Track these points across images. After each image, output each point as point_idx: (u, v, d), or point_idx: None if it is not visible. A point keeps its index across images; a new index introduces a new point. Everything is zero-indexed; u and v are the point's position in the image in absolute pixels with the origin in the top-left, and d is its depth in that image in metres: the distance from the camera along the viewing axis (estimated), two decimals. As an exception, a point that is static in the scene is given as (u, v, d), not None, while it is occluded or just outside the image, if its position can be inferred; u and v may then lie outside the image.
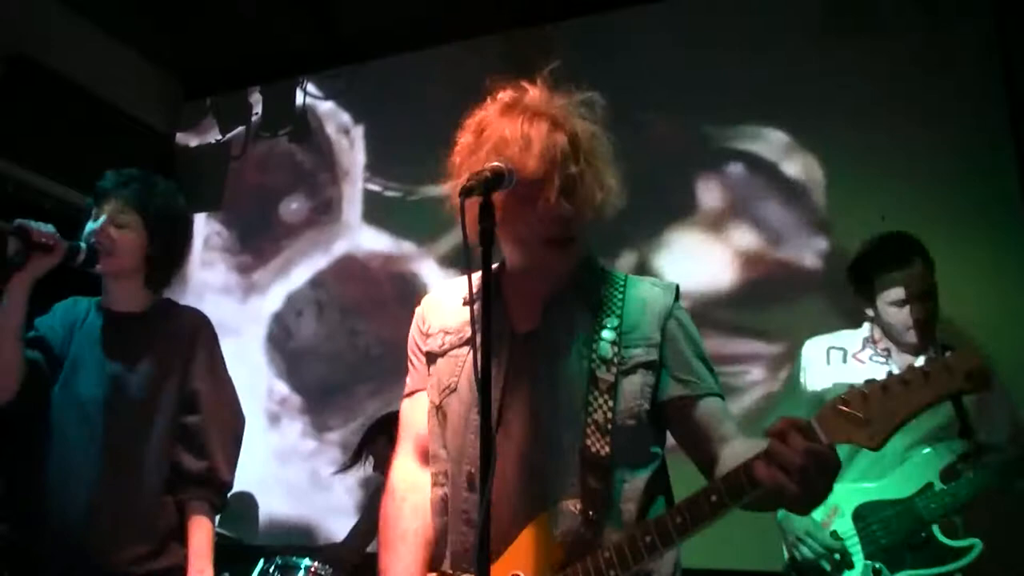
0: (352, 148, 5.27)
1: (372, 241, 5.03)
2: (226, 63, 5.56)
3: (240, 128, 5.61)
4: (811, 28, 4.17)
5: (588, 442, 1.64)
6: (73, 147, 4.73)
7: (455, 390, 1.79)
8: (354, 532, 4.00)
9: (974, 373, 1.40)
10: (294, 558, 3.35)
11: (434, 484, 1.82)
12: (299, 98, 5.45)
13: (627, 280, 1.86)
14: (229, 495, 2.51)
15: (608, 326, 1.74)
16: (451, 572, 1.70)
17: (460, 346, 1.83)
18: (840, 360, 2.94)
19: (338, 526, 4.51)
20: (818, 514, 2.80)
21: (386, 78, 5.15)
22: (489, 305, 1.50)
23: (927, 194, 3.75)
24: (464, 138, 1.77)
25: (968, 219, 3.64)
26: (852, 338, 3.00)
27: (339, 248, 5.14)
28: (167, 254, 2.52)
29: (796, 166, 4.12)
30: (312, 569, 3.30)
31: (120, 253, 2.40)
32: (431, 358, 1.88)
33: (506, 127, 1.69)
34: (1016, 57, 3.73)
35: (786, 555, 2.85)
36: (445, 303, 1.93)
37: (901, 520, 2.71)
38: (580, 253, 1.81)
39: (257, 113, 5.58)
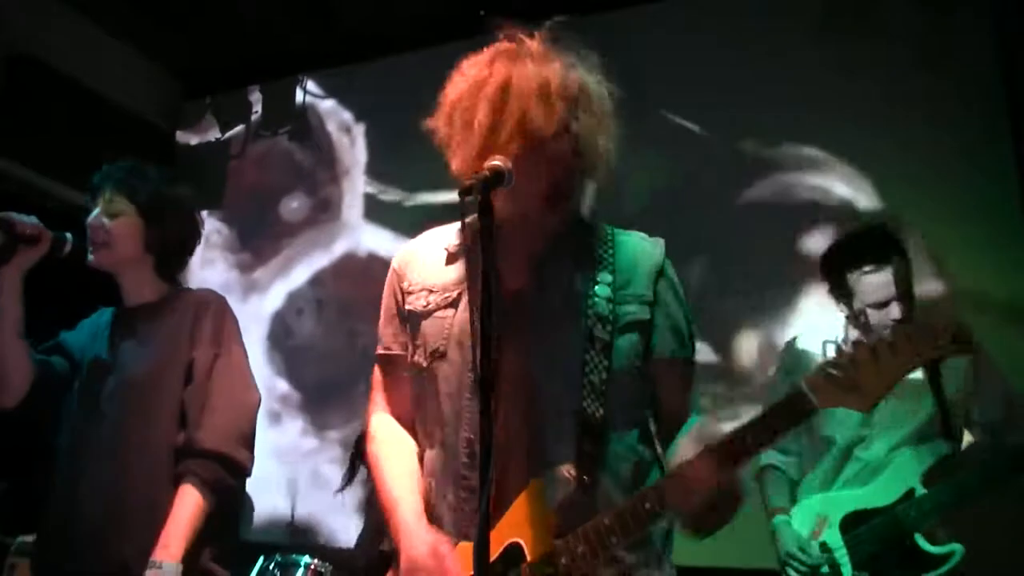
0: (353, 146, 5.28)
1: (373, 240, 5.04)
2: (226, 62, 5.56)
3: (240, 127, 5.62)
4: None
5: (584, 404, 1.61)
6: (75, 146, 4.74)
7: (444, 354, 1.72)
8: (364, 533, 3.94)
9: (957, 334, 1.42)
10: (294, 555, 3.35)
11: (425, 447, 1.77)
12: (299, 96, 5.45)
13: (614, 233, 1.81)
14: (243, 470, 2.36)
15: (602, 282, 1.70)
16: (454, 537, 1.64)
17: (446, 307, 1.75)
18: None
19: (339, 524, 4.52)
20: (807, 526, 2.78)
21: (386, 77, 5.15)
22: (491, 299, 1.45)
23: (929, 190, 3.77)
24: (469, 70, 1.71)
25: (971, 217, 3.64)
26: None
27: (339, 247, 5.15)
28: (168, 239, 2.46)
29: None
30: (312, 567, 3.29)
31: (115, 243, 2.37)
32: (413, 318, 1.79)
33: (514, 64, 1.65)
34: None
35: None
36: (426, 259, 1.85)
37: (885, 529, 2.67)
38: (574, 211, 1.78)
39: (257, 112, 5.58)
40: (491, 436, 1.35)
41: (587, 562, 1.51)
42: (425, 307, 1.78)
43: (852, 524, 2.72)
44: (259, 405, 2.43)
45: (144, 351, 2.36)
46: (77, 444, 2.31)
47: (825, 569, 2.69)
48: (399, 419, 1.86)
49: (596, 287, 1.69)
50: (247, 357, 2.46)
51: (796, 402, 1.48)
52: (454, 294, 1.76)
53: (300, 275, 5.22)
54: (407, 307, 1.81)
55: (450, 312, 1.74)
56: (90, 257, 2.37)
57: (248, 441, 2.36)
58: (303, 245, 5.26)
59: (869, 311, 2.74)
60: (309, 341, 5.09)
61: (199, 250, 2.60)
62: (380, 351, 1.89)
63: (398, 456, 1.80)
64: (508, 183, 1.53)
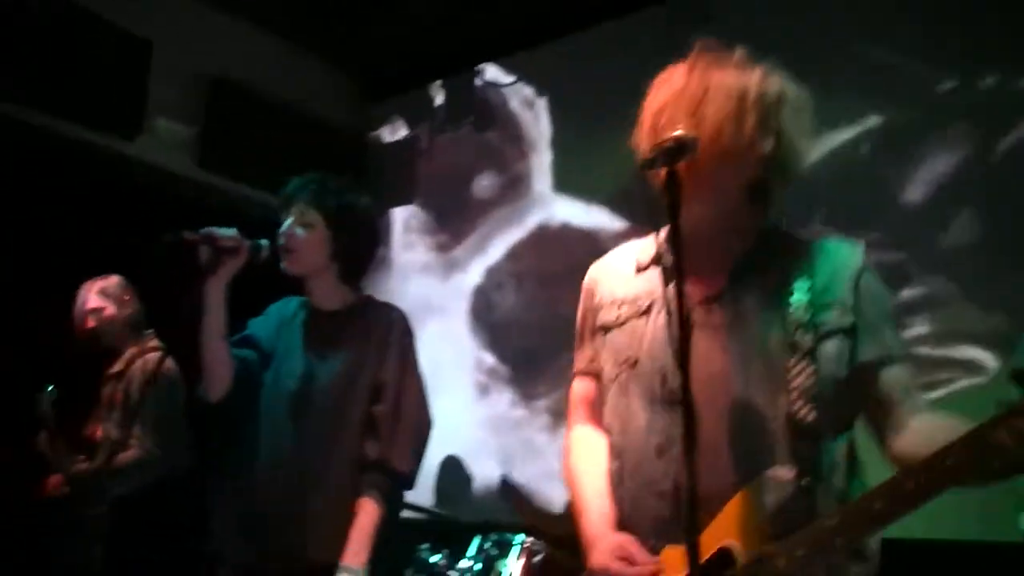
0: (537, 121, 5.28)
1: (565, 210, 5.03)
2: (407, 62, 5.72)
3: (425, 123, 5.77)
4: None
5: (795, 408, 1.57)
6: (273, 157, 5.02)
7: (635, 364, 1.74)
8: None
9: None
10: (509, 534, 3.43)
11: (618, 456, 1.77)
12: (479, 87, 5.51)
13: (811, 241, 1.76)
14: (411, 485, 2.53)
15: (799, 289, 1.65)
16: (650, 541, 1.64)
17: (637, 317, 1.77)
18: None
19: (555, 491, 4.59)
20: None
21: (565, 53, 5.12)
22: (682, 280, 1.45)
23: None
24: (673, 74, 1.71)
25: None
26: None
27: (532, 220, 5.19)
28: (352, 249, 2.59)
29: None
30: (526, 545, 3.36)
31: (304, 252, 2.51)
32: (605, 330, 1.83)
33: (716, 72, 1.64)
34: None
35: None
36: (616, 273, 1.88)
37: None
38: (764, 216, 1.74)
39: (440, 106, 5.70)
40: (693, 443, 1.34)
41: (806, 564, 1.45)
42: (616, 319, 1.81)
43: None
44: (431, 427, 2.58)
45: (334, 360, 2.51)
46: (263, 443, 2.46)
47: None
48: (601, 429, 1.87)
49: (795, 293, 1.65)
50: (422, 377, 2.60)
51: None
52: (645, 304, 1.77)
53: (496, 250, 5.30)
54: (598, 322, 1.85)
55: (642, 321, 1.76)
56: (282, 265, 2.52)
57: (422, 458, 2.54)
58: (497, 222, 5.33)
59: None
60: (511, 314, 5.18)
61: (399, 234, 2.70)
62: (576, 372, 1.93)
63: (593, 461, 1.83)
64: (692, 153, 1.48)
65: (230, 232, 2.37)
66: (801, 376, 1.58)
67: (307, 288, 2.63)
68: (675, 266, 1.47)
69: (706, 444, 1.52)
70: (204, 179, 5.16)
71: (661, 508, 1.64)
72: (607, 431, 1.82)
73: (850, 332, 1.65)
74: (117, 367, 3.72)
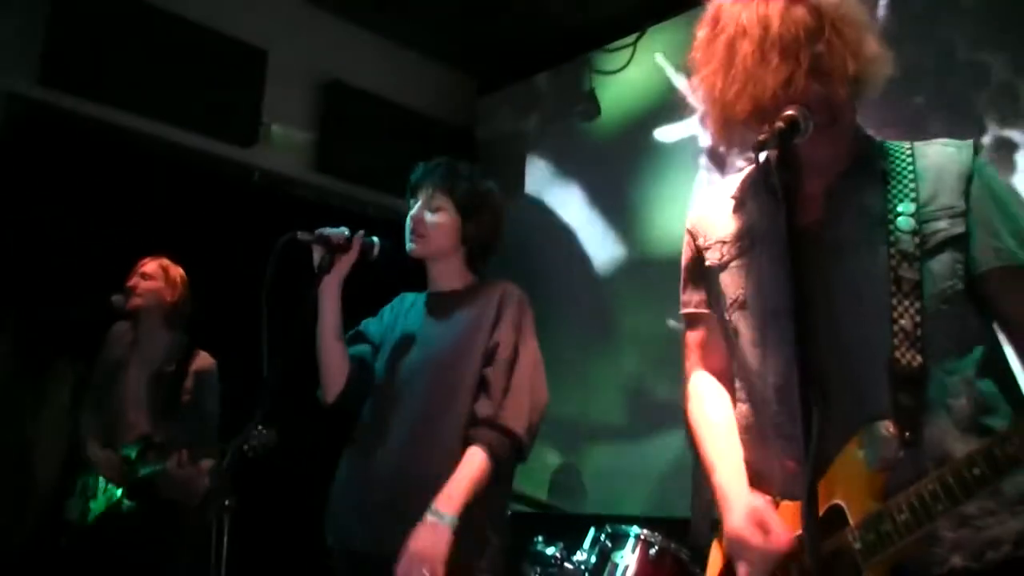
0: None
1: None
2: (513, 53, 5.73)
3: (533, 114, 5.77)
4: None
5: (897, 354, 1.47)
6: (385, 156, 5.13)
7: (744, 303, 1.67)
8: (696, 503, 3.92)
9: None
10: (623, 526, 3.42)
11: (738, 401, 1.73)
12: (585, 76, 5.47)
13: (913, 148, 1.63)
14: (522, 455, 2.43)
15: (902, 205, 1.54)
16: (778, 495, 1.59)
17: (741, 256, 1.70)
18: None
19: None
20: None
21: (668, 40, 5.06)
22: (798, 267, 1.36)
23: None
24: (701, 31, 1.63)
25: None
26: None
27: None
28: (481, 234, 2.58)
29: None
30: (642, 537, 3.34)
31: (435, 235, 2.50)
32: (711, 273, 1.76)
33: (742, 11, 1.54)
34: None
35: None
36: (715, 212, 1.79)
37: None
38: (848, 133, 1.63)
39: (547, 98, 5.71)
40: (808, 387, 1.27)
41: (911, 530, 1.37)
42: (720, 259, 1.74)
43: None
44: (546, 406, 2.49)
45: (450, 331, 2.49)
46: (377, 415, 2.46)
47: None
48: (716, 375, 1.82)
49: (899, 208, 1.54)
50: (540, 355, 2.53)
51: None
52: (747, 242, 1.70)
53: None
54: (706, 263, 1.78)
55: (745, 260, 1.69)
56: (410, 246, 2.51)
57: (535, 433, 2.42)
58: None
59: None
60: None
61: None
62: (684, 312, 1.87)
63: (715, 411, 1.77)
64: (805, 132, 1.43)
65: (341, 230, 2.40)
66: (905, 317, 1.48)
67: (430, 271, 2.62)
68: (789, 253, 1.38)
69: (821, 387, 1.45)
70: (321, 182, 5.31)
71: (789, 451, 1.56)
72: (727, 376, 1.76)
73: (962, 241, 1.52)
74: (165, 364, 3.67)
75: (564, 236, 5.43)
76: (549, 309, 5.33)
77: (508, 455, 2.37)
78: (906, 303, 1.49)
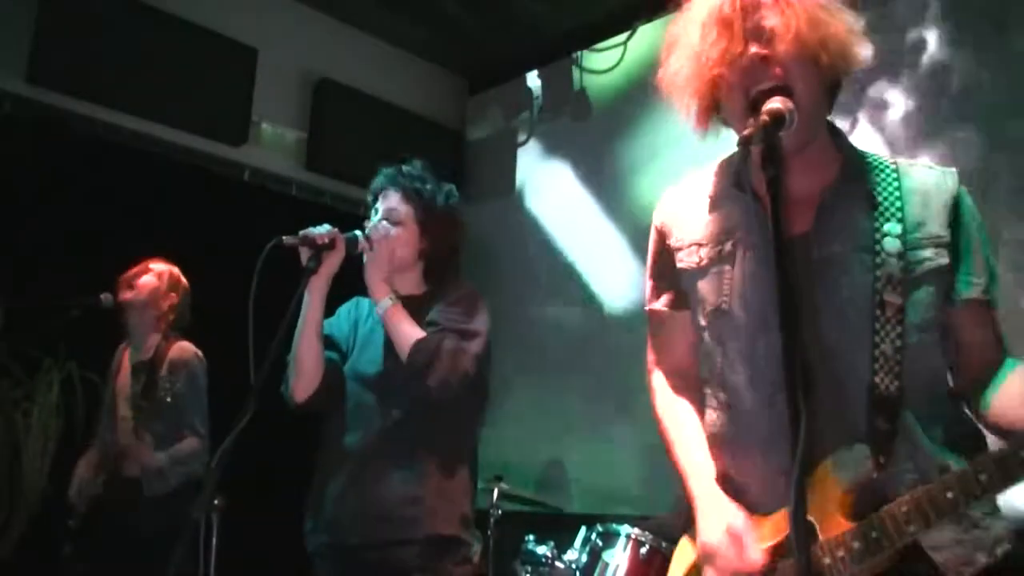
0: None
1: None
2: (503, 53, 5.73)
3: (524, 113, 5.76)
4: None
5: (877, 379, 1.47)
6: (376, 154, 5.10)
7: (727, 311, 1.61)
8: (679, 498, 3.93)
9: None
10: (614, 525, 3.42)
11: (710, 408, 1.67)
12: (575, 75, 5.48)
13: (897, 167, 1.61)
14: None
15: (888, 225, 1.53)
16: (756, 508, 1.57)
17: (720, 261, 1.63)
18: None
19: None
20: None
21: (658, 39, 5.03)
22: (782, 255, 1.32)
23: None
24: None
25: None
26: None
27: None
28: (439, 249, 2.57)
29: None
30: (633, 536, 3.34)
31: (393, 248, 2.49)
32: (687, 276, 1.69)
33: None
34: None
35: None
36: (689, 210, 1.73)
37: None
38: (808, 124, 1.51)
39: (538, 97, 5.69)
40: (796, 399, 1.24)
41: (882, 548, 1.40)
42: (699, 264, 1.67)
43: None
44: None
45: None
46: (350, 429, 2.45)
47: None
48: (675, 375, 1.80)
49: (886, 228, 1.53)
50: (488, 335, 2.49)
51: None
52: (727, 246, 1.63)
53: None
54: (679, 264, 1.71)
55: (726, 266, 1.63)
56: (366, 260, 2.48)
57: (451, 386, 2.37)
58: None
59: None
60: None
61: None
62: (649, 309, 1.82)
63: (685, 416, 1.74)
64: (790, 125, 1.40)
65: (325, 229, 2.38)
66: (886, 342, 1.48)
67: (390, 278, 2.56)
68: (776, 246, 1.33)
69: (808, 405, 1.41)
70: (311, 180, 5.32)
71: (774, 462, 1.53)
72: (702, 383, 1.72)
73: (945, 272, 1.53)
74: (145, 355, 3.72)
75: (553, 235, 5.45)
76: (534, 304, 5.38)
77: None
78: (888, 328, 1.49)
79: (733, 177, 1.67)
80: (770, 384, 1.54)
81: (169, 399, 3.57)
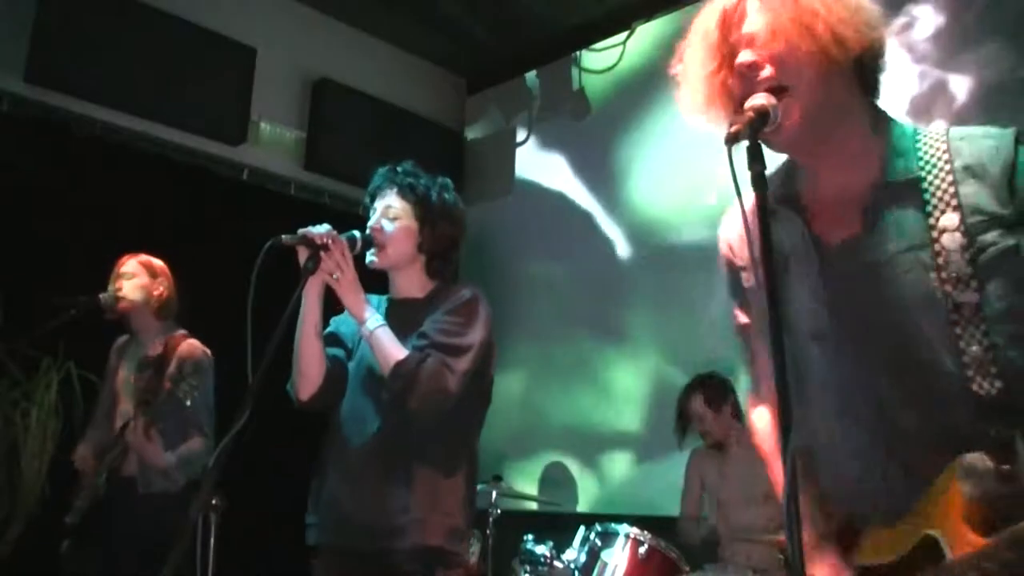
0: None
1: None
2: (502, 53, 5.74)
3: (523, 113, 5.78)
4: None
5: (974, 386, 1.37)
6: (375, 153, 5.11)
7: (789, 326, 1.52)
8: (686, 500, 3.92)
9: None
10: (613, 524, 3.42)
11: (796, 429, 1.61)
12: (574, 75, 5.49)
13: (949, 145, 1.45)
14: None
15: (944, 217, 1.40)
16: (852, 509, 1.50)
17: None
18: None
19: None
20: None
21: (657, 38, 5.07)
22: (771, 263, 1.30)
23: None
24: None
25: None
26: None
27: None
28: (439, 243, 2.55)
29: None
30: (632, 535, 3.34)
31: (393, 246, 2.48)
32: (752, 294, 1.65)
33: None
34: None
35: None
36: (740, 230, 1.64)
37: None
38: (816, 116, 1.45)
39: (537, 96, 5.71)
40: (789, 415, 1.21)
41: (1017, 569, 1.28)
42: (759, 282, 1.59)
43: None
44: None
45: (407, 343, 2.42)
46: (350, 428, 2.45)
47: None
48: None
49: (943, 222, 1.40)
50: (483, 347, 2.47)
51: None
52: (778, 263, 1.53)
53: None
54: (746, 284, 1.67)
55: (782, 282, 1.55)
56: (370, 259, 2.48)
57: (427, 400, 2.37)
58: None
59: None
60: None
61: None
62: (738, 325, 1.74)
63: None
64: (775, 120, 1.38)
65: (323, 228, 2.36)
66: (973, 343, 1.37)
67: (391, 278, 2.59)
68: (763, 252, 1.31)
69: (901, 414, 1.41)
70: (310, 180, 5.31)
71: (857, 469, 1.47)
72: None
73: (1014, 252, 1.38)
74: (153, 351, 3.66)
75: (553, 234, 5.45)
76: (534, 301, 5.38)
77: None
78: (971, 328, 1.38)
79: (779, 190, 1.59)
80: (841, 392, 1.49)
81: (181, 395, 3.54)
